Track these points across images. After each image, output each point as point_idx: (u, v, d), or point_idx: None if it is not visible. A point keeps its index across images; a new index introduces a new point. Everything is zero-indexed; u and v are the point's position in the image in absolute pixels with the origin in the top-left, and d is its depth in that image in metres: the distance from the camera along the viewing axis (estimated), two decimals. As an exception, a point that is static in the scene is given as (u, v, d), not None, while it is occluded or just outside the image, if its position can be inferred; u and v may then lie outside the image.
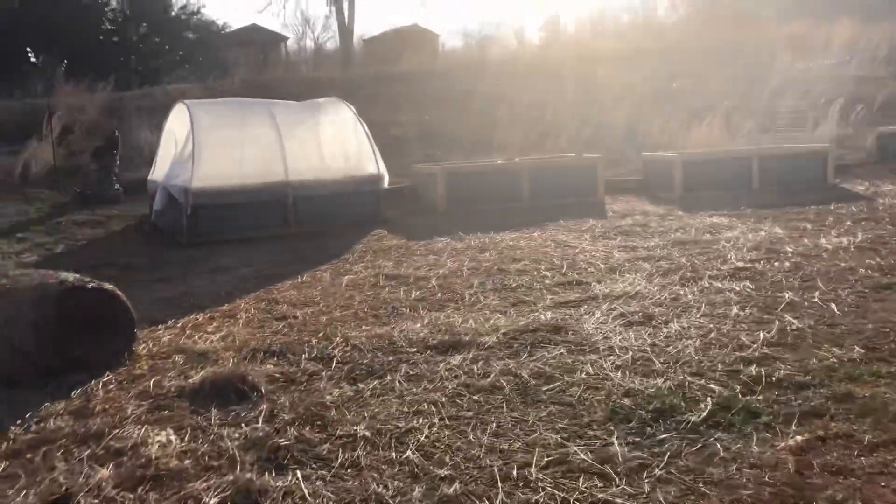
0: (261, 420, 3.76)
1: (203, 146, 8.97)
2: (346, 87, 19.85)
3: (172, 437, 3.58)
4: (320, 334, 5.19)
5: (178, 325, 5.66)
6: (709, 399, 3.82)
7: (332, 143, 9.94)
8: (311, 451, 3.42)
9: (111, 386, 4.34)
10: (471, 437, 3.54)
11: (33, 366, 4.40)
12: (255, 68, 24.04)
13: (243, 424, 3.73)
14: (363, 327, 5.34)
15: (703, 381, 4.07)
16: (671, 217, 9.60)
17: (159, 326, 5.64)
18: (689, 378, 4.12)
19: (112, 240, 9.02)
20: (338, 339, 5.05)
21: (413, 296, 6.21)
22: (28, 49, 19.42)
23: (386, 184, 10.27)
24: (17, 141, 12.38)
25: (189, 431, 3.67)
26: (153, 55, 25.45)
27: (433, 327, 5.23)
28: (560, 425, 3.62)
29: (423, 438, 3.52)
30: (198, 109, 9.27)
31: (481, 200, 10.85)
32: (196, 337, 5.27)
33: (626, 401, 3.86)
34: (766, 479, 3.04)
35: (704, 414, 3.65)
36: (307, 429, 3.64)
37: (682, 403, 3.78)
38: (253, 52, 31.12)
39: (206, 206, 8.95)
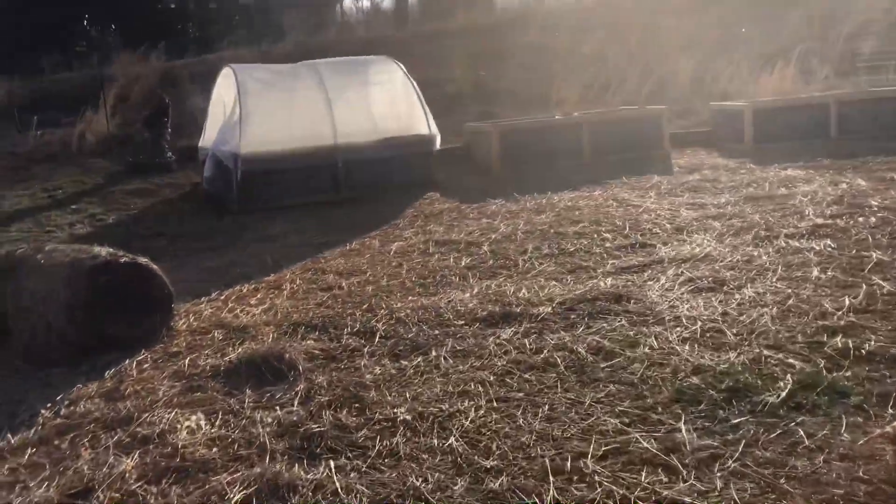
0: (296, 402, 3.51)
1: (251, 110, 8.74)
2: (400, 47, 19.40)
3: (203, 422, 3.36)
4: (364, 306, 4.91)
5: (222, 297, 5.47)
6: (789, 376, 3.41)
7: (382, 104, 9.61)
8: (346, 437, 3.15)
9: (146, 365, 4.16)
10: (520, 421, 3.22)
11: (68, 345, 4.24)
12: (309, 31, 23.76)
13: (278, 407, 3.48)
14: (409, 298, 5.04)
15: (781, 356, 3.65)
16: (742, 171, 9.01)
17: (202, 299, 5.45)
18: (765, 352, 3.71)
19: (163, 209, 8.92)
20: (382, 311, 4.77)
21: (463, 263, 5.88)
22: (86, 20, 19.45)
23: (438, 144, 9.91)
24: (77, 112, 12.39)
25: (220, 416, 3.44)
26: (209, 21, 25.39)
27: (483, 297, 4.90)
28: (620, 408, 3.27)
29: (467, 423, 3.22)
30: (244, 73, 9.02)
31: (538, 159, 10.39)
32: (238, 310, 5.06)
33: (695, 379, 3.48)
34: (860, 473, 2.64)
35: (784, 394, 3.25)
36: (344, 412, 3.38)
37: (759, 382, 3.38)
38: (308, 13, 30.85)
39: (256, 172, 8.74)
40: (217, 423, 3.38)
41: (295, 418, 3.32)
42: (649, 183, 8.60)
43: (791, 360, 3.59)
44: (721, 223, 6.44)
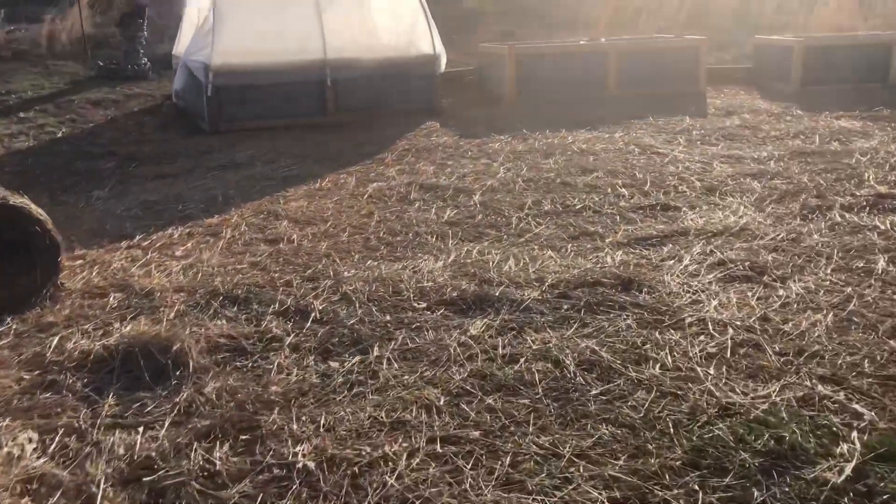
0: (167, 423, 2.56)
1: (225, 15, 7.60)
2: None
3: (28, 448, 2.42)
4: (308, 271, 3.92)
5: (145, 243, 4.49)
6: (855, 435, 2.41)
7: (381, 15, 8.40)
8: (211, 497, 2.20)
9: (4, 341, 3.21)
10: (467, 483, 2.25)
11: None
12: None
13: (140, 429, 2.53)
14: (367, 263, 4.04)
15: (842, 396, 2.64)
16: (788, 117, 7.81)
17: (122, 244, 4.48)
18: (820, 387, 2.70)
19: (123, 124, 7.88)
20: (328, 281, 3.77)
21: (446, 216, 4.86)
22: None
23: (443, 66, 8.73)
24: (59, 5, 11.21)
25: (58, 438, 2.50)
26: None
27: (458, 269, 3.89)
28: (611, 471, 2.29)
29: (392, 481, 2.26)
30: (222, -28, 7.85)
31: (557, 89, 9.20)
32: (154, 264, 4.09)
33: (722, 428, 2.48)
34: None
35: (849, 469, 2.25)
36: (224, 448, 2.42)
37: (812, 441, 2.39)
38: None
39: (230, 87, 7.66)
40: (50, 449, 2.43)
41: (154, 454, 2.37)
42: (679, 126, 7.44)
43: (857, 406, 2.58)
44: (761, 184, 5.34)
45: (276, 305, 3.48)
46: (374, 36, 8.30)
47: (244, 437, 2.47)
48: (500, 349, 3.04)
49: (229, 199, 5.42)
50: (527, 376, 2.83)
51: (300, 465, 2.32)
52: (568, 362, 2.91)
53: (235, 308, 3.48)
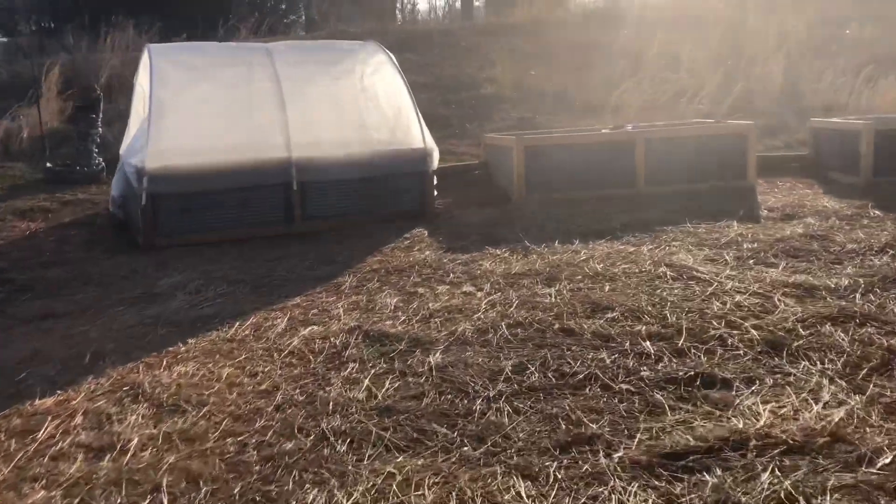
0: None
1: (165, 108, 6.31)
2: (443, 40, 16.83)
3: None
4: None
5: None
6: None
7: (360, 106, 7.05)
8: None
9: None
10: None
11: None
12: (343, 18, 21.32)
13: None
14: (212, 511, 2.47)
15: None
16: (865, 220, 6.17)
17: None
18: None
19: (44, 239, 6.55)
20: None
21: (380, 396, 3.28)
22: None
23: (435, 162, 7.32)
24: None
25: None
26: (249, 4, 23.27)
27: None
28: None
29: None
30: (162, 55, 6.58)
31: (574, 187, 7.71)
32: None
33: None
34: None
35: None
36: None
37: None
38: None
39: (169, 195, 6.31)
40: None
41: None
42: (725, 236, 5.84)
43: None
44: (848, 335, 3.69)
45: None
46: (351, 130, 6.93)
47: None
48: None
49: (100, 359, 3.94)
50: None
51: None
52: None
53: None
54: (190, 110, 6.45)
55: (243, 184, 6.55)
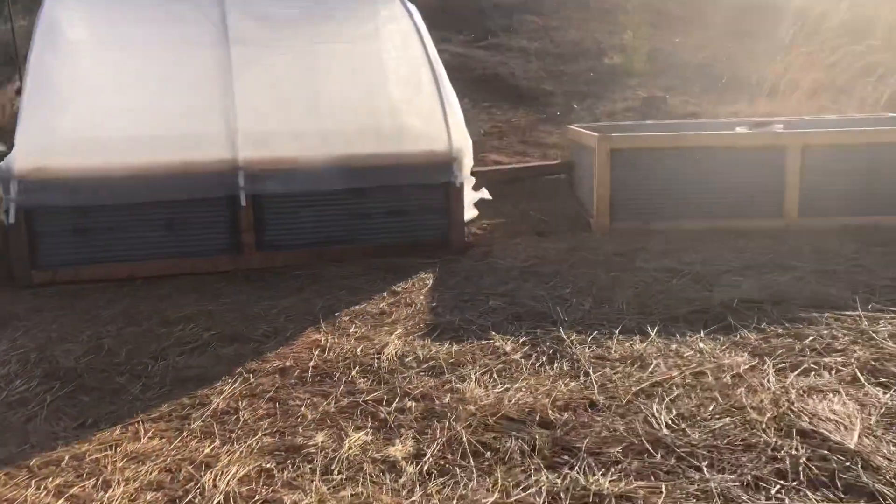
0: None
1: (50, 82, 4.28)
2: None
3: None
4: None
5: None
6: None
7: (352, 84, 4.74)
8: None
9: None
10: None
11: None
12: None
13: None
14: None
15: None
16: None
17: None
18: None
19: None
20: None
21: None
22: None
23: (466, 169, 4.91)
24: None
25: None
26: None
27: None
28: None
29: None
30: (56, 4, 4.53)
31: (686, 212, 5.11)
32: None
33: None
34: None
35: None
36: None
37: None
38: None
39: (53, 210, 4.31)
40: None
41: None
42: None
43: None
44: None
45: None
46: (335, 118, 4.65)
47: None
48: None
49: None
50: None
51: None
52: None
53: None
54: (89, 86, 4.38)
55: (168, 195, 4.45)
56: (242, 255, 4.61)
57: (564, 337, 3.41)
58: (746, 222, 5.09)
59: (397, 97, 4.74)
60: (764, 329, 3.42)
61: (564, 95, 9.91)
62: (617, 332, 3.46)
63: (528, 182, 6.28)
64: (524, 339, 3.43)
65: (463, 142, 4.83)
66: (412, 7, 4.91)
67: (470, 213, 5.43)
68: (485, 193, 5.68)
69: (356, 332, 3.63)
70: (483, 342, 3.41)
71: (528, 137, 8.09)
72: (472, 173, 5.64)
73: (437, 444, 2.55)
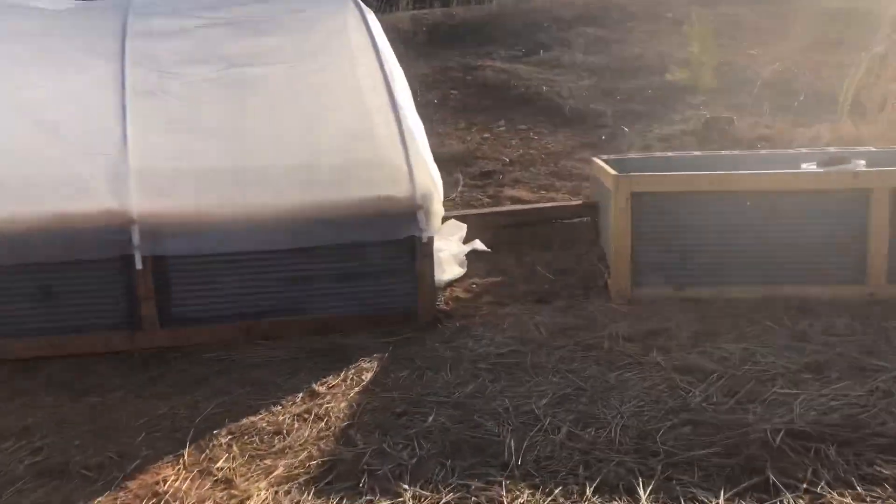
0: None
1: None
2: (644, 9, 12.64)
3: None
4: None
5: None
6: None
7: (289, 113, 3.67)
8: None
9: None
10: None
11: None
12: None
13: None
14: None
15: None
16: None
17: None
18: None
19: None
20: None
21: None
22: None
23: (435, 218, 3.76)
24: None
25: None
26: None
27: None
28: None
29: None
30: None
31: (732, 274, 3.86)
32: None
33: None
34: None
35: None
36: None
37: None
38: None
39: None
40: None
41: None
42: None
43: None
44: None
45: None
46: (261, 159, 3.60)
47: None
48: None
49: None
50: None
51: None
52: None
53: None
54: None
55: (42, 257, 3.47)
56: (143, 331, 3.60)
57: (504, 499, 2.24)
58: (814, 290, 3.79)
59: (346, 130, 3.66)
60: (822, 495, 2.18)
61: (615, 116, 8.67)
62: (591, 489, 2.28)
63: (541, 227, 5.10)
64: (447, 498, 2.28)
65: (430, 184, 3.72)
66: (370, 16, 3.82)
67: (453, 272, 4.30)
68: (478, 245, 4.55)
69: (221, 471, 2.55)
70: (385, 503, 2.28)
71: (561, 167, 6.90)
72: (464, 217, 4.53)
73: None
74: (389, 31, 11.70)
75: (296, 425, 2.85)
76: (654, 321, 3.63)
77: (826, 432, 2.52)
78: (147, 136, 3.50)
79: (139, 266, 3.51)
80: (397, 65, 3.94)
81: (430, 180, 3.72)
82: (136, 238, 3.48)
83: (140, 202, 3.47)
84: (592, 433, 2.64)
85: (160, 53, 3.61)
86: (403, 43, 10.61)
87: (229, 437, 2.79)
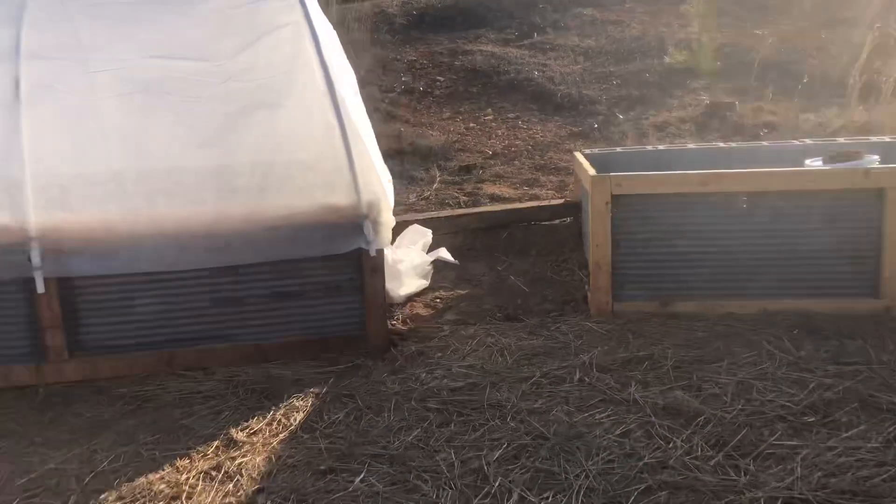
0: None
1: None
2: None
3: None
4: None
5: None
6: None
7: (210, 112, 3.18)
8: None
9: None
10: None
11: None
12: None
13: None
14: None
15: None
16: None
17: None
18: None
19: None
20: None
21: None
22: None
23: (385, 229, 3.27)
24: None
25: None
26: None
27: None
28: None
29: None
30: None
31: (729, 286, 3.37)
32: None
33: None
34: None
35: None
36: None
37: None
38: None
39: None
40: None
41: None
42: None
43: None
44: None
45: None
46: (177, 164, 3.12)
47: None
48: None
49: None
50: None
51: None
52: None
53: None
54: None
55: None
56: (50, 363, 3.14)
57: None
58: (820, 304, 3.30)
59: (274, 127, 3.17)
60: None
61: (609, 103, 8.16)
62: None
63: (519, 230, 4.61)
64: None
65: (378, 190, 3.23)
66: (311, 4, 3.32)
67: (414, 284, 3.82)
68: (444, 254, 4.07)
69: (91, 552, 2.09)
70: None
71: (548, 160, 6.39)
72: (433, 220, 4.06)
73: None
74: (377, 17, 11.09)
75: (199, 486, 2.40)
76: (636, 345, 3.15)
77: (837, 499, 2.04)
78: (45, 141, 3.02)
79: (41, 290, 3.04)
80: (344, 57, 3.45)
81: (379, 185, 3.23)
82: (35, 258, 3.01)
83: (38, 215, 3.00)
84: (549, 499, 2.17)
85: (60, 44, 3.12)
86: (391, 29, 10.09)
87: (118, 503, 2.33)
